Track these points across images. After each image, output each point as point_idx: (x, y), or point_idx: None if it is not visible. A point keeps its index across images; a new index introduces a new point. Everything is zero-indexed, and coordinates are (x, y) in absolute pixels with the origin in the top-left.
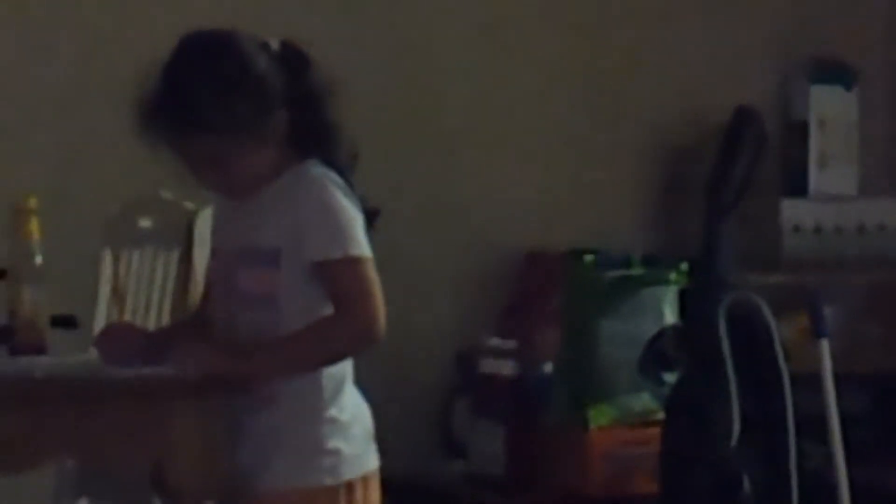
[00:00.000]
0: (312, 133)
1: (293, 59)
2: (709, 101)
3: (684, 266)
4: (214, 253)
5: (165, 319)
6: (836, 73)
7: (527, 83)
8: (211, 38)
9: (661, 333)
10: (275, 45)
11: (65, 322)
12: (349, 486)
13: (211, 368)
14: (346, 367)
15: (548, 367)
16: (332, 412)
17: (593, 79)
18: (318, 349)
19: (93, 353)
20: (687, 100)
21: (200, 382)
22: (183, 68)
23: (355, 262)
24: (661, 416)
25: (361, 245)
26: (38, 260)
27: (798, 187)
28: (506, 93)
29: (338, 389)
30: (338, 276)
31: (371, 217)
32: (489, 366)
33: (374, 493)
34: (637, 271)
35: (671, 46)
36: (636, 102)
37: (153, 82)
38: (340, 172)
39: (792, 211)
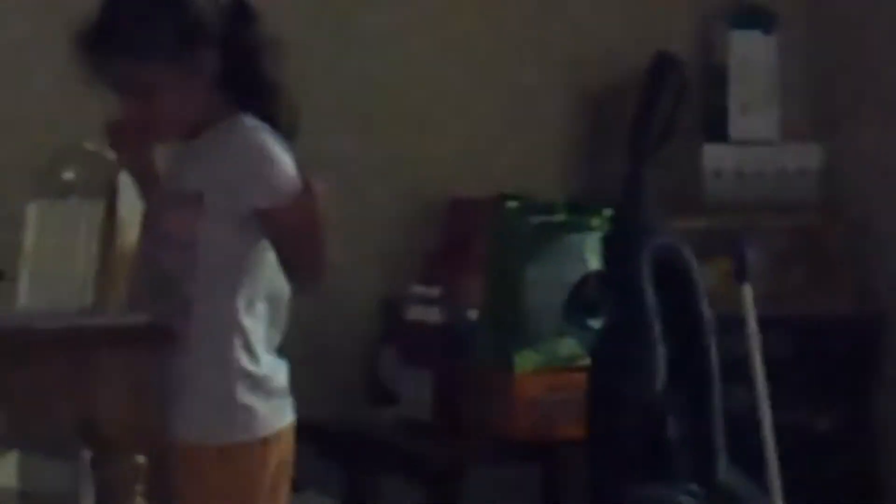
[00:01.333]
0: (247, 85)
1: (238, 8)
2: (629, 47)
3: (607, 212)
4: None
5: (92, 269)
6: (755, 17)
7: (448, 29)
8: None
9: (585, 279)
10: None
11: None
12: (264, 441)
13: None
14: (257, 324)
15: (473, 314)
16: (246, 364)
17: (515, 24)
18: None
19: (19, 305)
20: (607, 45)
21: (128, 333)
22: None
23: (294, 207)
24: (586, 361)
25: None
26: None
27: (719, 132)
28: (428, 39)
29: (249, 341)
30: (279, 222)
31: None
32: (415, 313)
33: (288, 448)
34: (560, 217)
35: None
36: (557, 48)
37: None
38: (278, 132)
39: (713, 156)
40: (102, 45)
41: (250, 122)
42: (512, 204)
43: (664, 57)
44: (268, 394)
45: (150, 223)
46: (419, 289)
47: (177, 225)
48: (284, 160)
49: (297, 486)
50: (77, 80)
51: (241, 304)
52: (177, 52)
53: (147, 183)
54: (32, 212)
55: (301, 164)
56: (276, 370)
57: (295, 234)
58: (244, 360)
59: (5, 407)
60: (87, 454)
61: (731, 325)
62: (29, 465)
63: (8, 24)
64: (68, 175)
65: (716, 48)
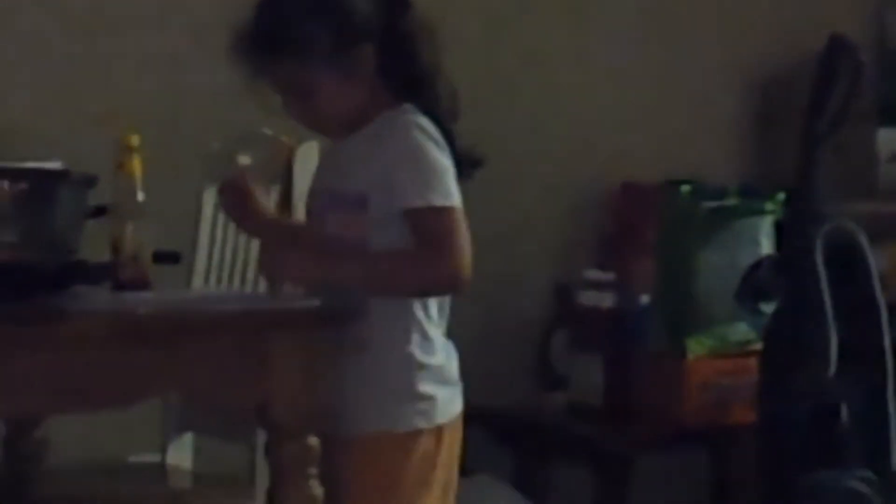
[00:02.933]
0: (406, 76)
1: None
2: (804, 30)
3: (780, 196)
4: (310, 194)
5: None
6: None
7: (622, 20)
8: None
9: (758, 264)
10: None
11: (168, 258)
12: (439, 429)
13: (298, 273)
14: (432, 313)
15: (645, 299)
16: (423, 358)
17: (687, 11)
18: (392, 276)
19: (196, 289)
20: (782, 29)
21: (302, 317)
22: None
23: (440, 212)
24: (758, 345)
25: (447, 195)
26: (141, 197)
27: (893, 116)
28: (601, 29)
29: (426, 336)
30: (422, 224)
31: (474, 166)
32: (587, 297)
33: (459, 435)
34: (733, 201)
35: None
36: (729, 34)
37: (248, 14)
38: (438, 120)
39: (888, 139)
40: (263, 47)
41: (410, 116)
42: (685, 188)
43: (839, 40)
44: (444, 382)
45: (313, 224)
46: (592, 273)
47: (344, 227)
48: (440, 163)
49: (468, 470)
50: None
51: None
52: (338, 50)
53: (262, 233)
54: (208, 196)
55: (466, 150)
56: (449, 358)
57: (433, 238)
58: (421, 352)
59: (181, 389)
60: (261, 436)
61: None
62: (204, 446)
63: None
64: (244, 160)
65: (890, 32)
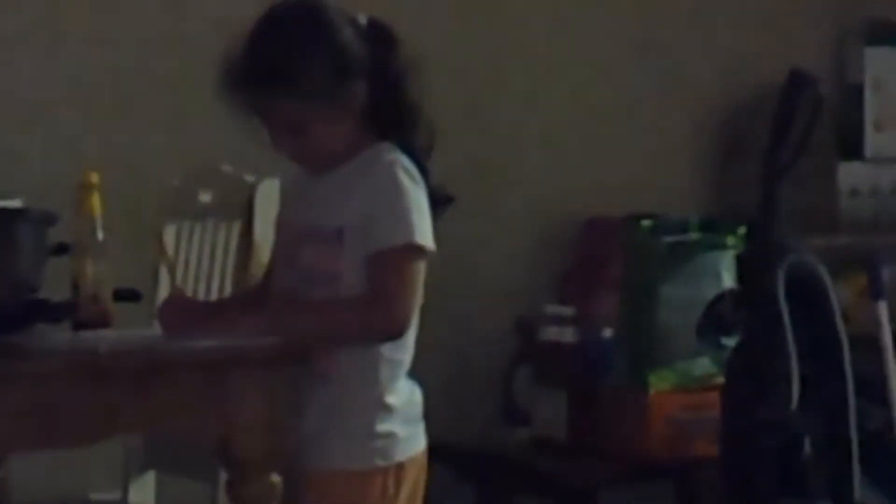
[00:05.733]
0: (391, 113)
1: (379, 36)
2: (764, 65)
3: (742, 230)
4: (281, 227)
5: (227, 292)
6: (891, 34)
7: (582, 52)
8: (298, 5)
9: (720, 297)
10: (362, 20)
11: (128, 296)
12: (399, 467)
13: (242, 328)
14: (401, 355)
15: (608, 333)
16: (386, 398)
17: (648, 44)
18: (338, 327)
19: (156, 327)
20: (741, 63)
21: (265, 354)
22: (268, 33)
23: (401, 253)
24: (720, 380)
25: (422, 234)
26: (101, 235)
27: (854, 150)
28: (564, 63)
29: (392, 376)
30: (375, 267)
31: (444, 203)
32: (550, 332)
33: (422, 472)
34: (695, 236)
35: (725, 9)
36: (691, 68)
37: (239, 48)
38: (415, 156)
39: (849, 173)
40: (252, 82)
41: (393, 154)
42: (646, 223)
43: (799, 74)
44: (406, 420)
45: (288, 257)
46: (554, 308)
47: (319, 260)
48: (419, 203)
49: None
50: (221, 110)
51: None
52: (329, 88)
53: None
54: (169, 233)
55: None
56: (413, 397)
57: (377, 284)
58: (386, 391)
59: (142, 427)
60: (223, 474)
61: (867, 343)
62: (166, 483)
63: (149, 48)
64: (204, 197)
65: (850, 65)
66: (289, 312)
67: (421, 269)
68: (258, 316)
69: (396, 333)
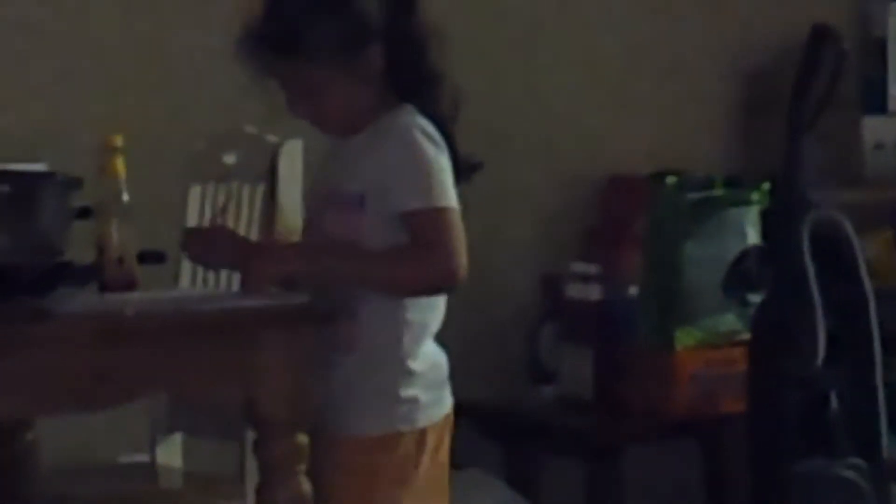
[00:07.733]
0: (410, 77)
1: (398, 0)
2: (787, 20)
3: (766, 186)
4: (310, 193)
5: None
6: None
7: (609, 12)
8: None
9: (745, 254)
10: None
11: (153, 258)
12: (422, 432)
13: (279, 268)
14: (426, 319)
15: (633, 291)
16: (410, 363)
17: (671, 2)
18: (385, 274)
19: (182, 289)
20: (765, 19)
21: (289, 313)
22: None
23: (435, 213)
24: (746, 336)
25: (444, 195)
26: (125, 197)
27: (878, 104)
28: (588, 22)
29: (417, 341)
30: (417, 225)
31: (472, 170)
32: (574, 290)
33: (446, 437)
34: (719, 192)
35: None
36: (715, 24)
37: (257, 12)
38: (438, 121)
39: (873, 128)
40: (270, 45)
41: (410, 116)
42: (670, 180)
43: (821, 29)
44: (430, 386)
45: (312, 223)
46: (579, 266)
47: (342, 226)
48: (438, 164)
49: (459, 465)
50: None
51: (406, 300)
52: (345, 51)
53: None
54: (193, 195)
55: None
56: (438, 361)
57: (427, 238)
58: (410, 357)
59: (169, 389)
60: (250, 434)
61: (892, 297)
62: (193, 445)
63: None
64: (229, 159)
65: (874, 19)
66: (333, 256)
67: (454, 220)
68: (301, 250)
69: (452, 284)
